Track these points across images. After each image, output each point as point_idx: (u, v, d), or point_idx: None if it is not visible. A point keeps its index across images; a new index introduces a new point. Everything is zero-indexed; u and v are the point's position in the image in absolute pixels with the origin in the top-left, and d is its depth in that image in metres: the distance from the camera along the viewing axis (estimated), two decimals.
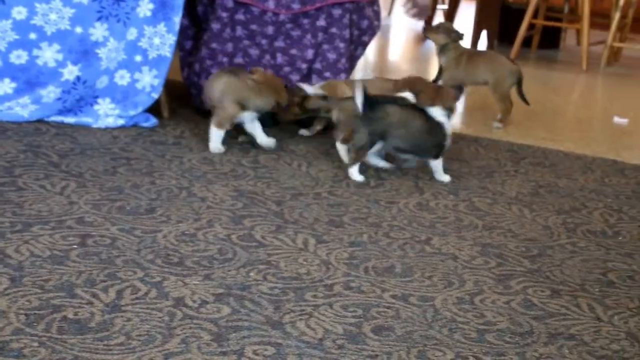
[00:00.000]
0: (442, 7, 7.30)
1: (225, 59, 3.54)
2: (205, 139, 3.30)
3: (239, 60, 3.52)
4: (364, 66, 5.47)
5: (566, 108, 4.61)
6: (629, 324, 2.11)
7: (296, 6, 3.52)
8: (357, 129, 3.02)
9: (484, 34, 6.41)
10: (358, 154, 3.05)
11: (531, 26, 6.32)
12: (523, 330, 2.03)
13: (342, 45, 3.57)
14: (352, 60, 3.73)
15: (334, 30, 3.56)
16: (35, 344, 1.77)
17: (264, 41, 3.55)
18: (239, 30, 3.53)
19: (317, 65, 3.57)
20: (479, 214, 2.82)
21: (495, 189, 3.09)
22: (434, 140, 3.06)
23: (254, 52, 3.55)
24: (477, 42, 6.34)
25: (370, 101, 2.98)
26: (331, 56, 3.56)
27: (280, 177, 3.00)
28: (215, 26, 3.52)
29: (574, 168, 3.43)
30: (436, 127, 3.05)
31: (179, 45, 3.68)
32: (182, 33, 3.61)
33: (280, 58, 3.55)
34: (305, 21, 3.55)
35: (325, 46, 3.57)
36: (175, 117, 3.63)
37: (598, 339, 2.02)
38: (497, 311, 2.12)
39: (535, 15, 6.31)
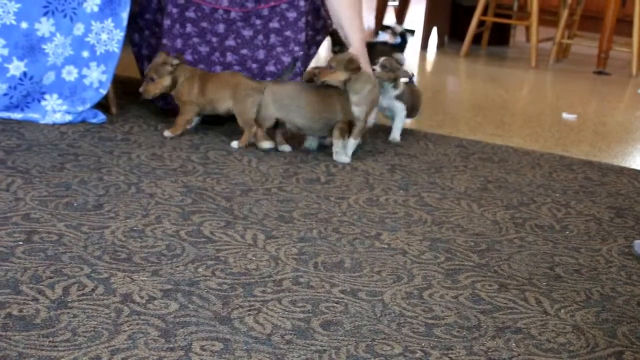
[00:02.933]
0: (393, 4, 7.33)
1: None
2: (154, 134, 3.27)
3: (187, 57, 3.49)
4: (316, 61, 5.47)
5: (515, 104, 4.65)
6: (575, 317, 2.13)
7: (250, 5, 3.50)
8: None
9: (434, 31, 6.44)
10: None
11: (481, 23, 6.37)
12: (471, 324, 2.05)
13: (297, 48, 3.53)
14: (307, 60, 3.71)
15: (288, 33, 3.53)
16: None
17: (214, 39, 3.53)
18: (189, 27, 3.50)
19: (272, 68, 3.53)
20: (428, 209, 2.83)
21: (444, 184, 3.11)
22: None
23: (203, 49, 3.52)
24: (428, 39, 6.38)
25: None
26: (286, 59, 3.52)
27: (230, 173, 2.99)
28: (166, 22, 3.49)
29: (523, 163, 3.46)
30: None
31: (131, 41, 3.65)
32: (128, 27, 3.58)
33: (230, 57, 3.53)
34: (258, 22, 3.52)
35: (279, 49, 3.53)
36: (124, 113, 3.59)
37: (545, 332, 2.04)
38: (445, 305, 2.13)
39: (485, 12, 6.36)
